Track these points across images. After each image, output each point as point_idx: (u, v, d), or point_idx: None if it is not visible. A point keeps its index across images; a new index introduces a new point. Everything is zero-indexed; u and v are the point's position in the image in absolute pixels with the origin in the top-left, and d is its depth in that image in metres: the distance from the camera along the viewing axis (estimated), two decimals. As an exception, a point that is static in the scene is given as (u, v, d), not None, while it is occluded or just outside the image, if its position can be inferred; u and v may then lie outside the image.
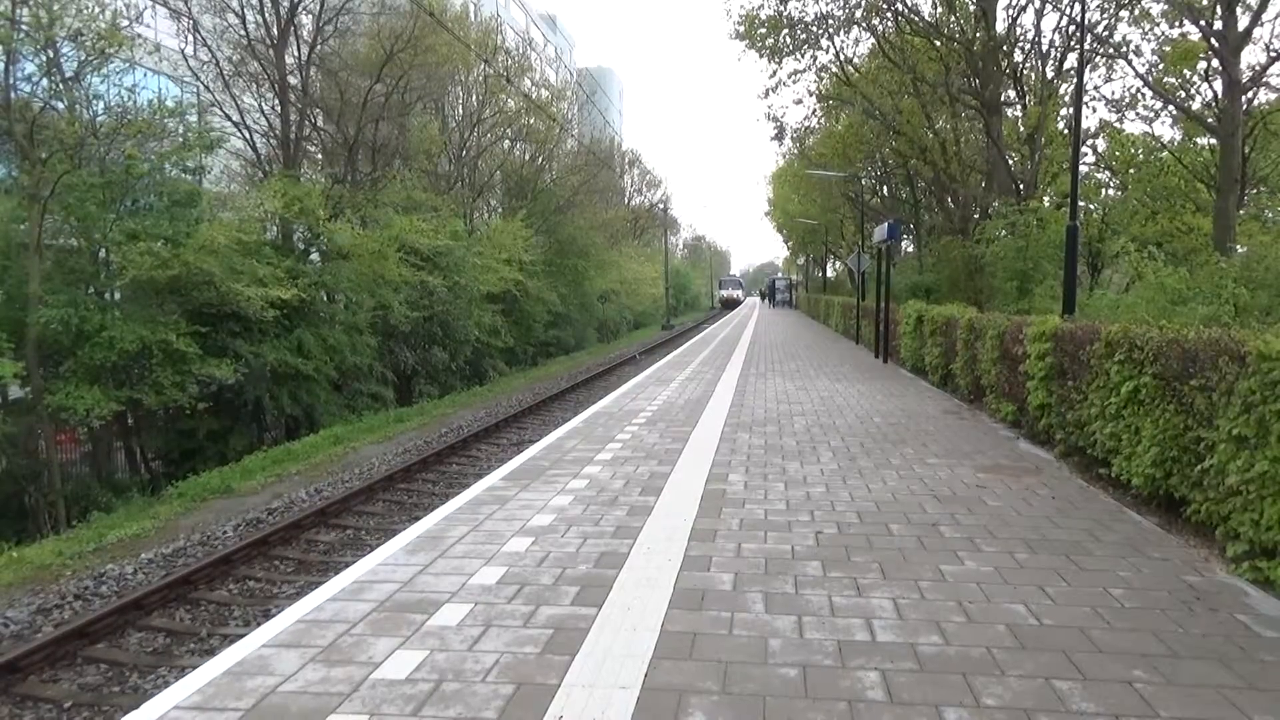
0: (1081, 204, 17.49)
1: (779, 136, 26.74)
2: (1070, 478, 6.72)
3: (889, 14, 19.25)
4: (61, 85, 14.55)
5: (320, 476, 12.44)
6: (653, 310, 62.63)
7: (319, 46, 22.45)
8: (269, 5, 20.82)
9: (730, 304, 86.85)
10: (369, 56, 24.05)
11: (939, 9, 19.36)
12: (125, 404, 14.64)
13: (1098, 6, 16.98)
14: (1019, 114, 19.73)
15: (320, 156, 25.36)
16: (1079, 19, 11.52)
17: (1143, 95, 18.76)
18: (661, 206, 69.64)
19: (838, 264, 49.80)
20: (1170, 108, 18.38)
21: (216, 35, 20.72)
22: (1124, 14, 17.16)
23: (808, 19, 20.03)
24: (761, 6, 19.88)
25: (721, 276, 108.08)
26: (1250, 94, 14.78)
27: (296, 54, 21.70)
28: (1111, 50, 17.20)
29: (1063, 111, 19.48)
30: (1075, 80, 11.48)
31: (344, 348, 19.76)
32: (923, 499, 5.99)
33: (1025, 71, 19.83)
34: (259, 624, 6.61)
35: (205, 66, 20.39)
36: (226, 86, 20.62)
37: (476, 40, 30.44)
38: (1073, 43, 17.32)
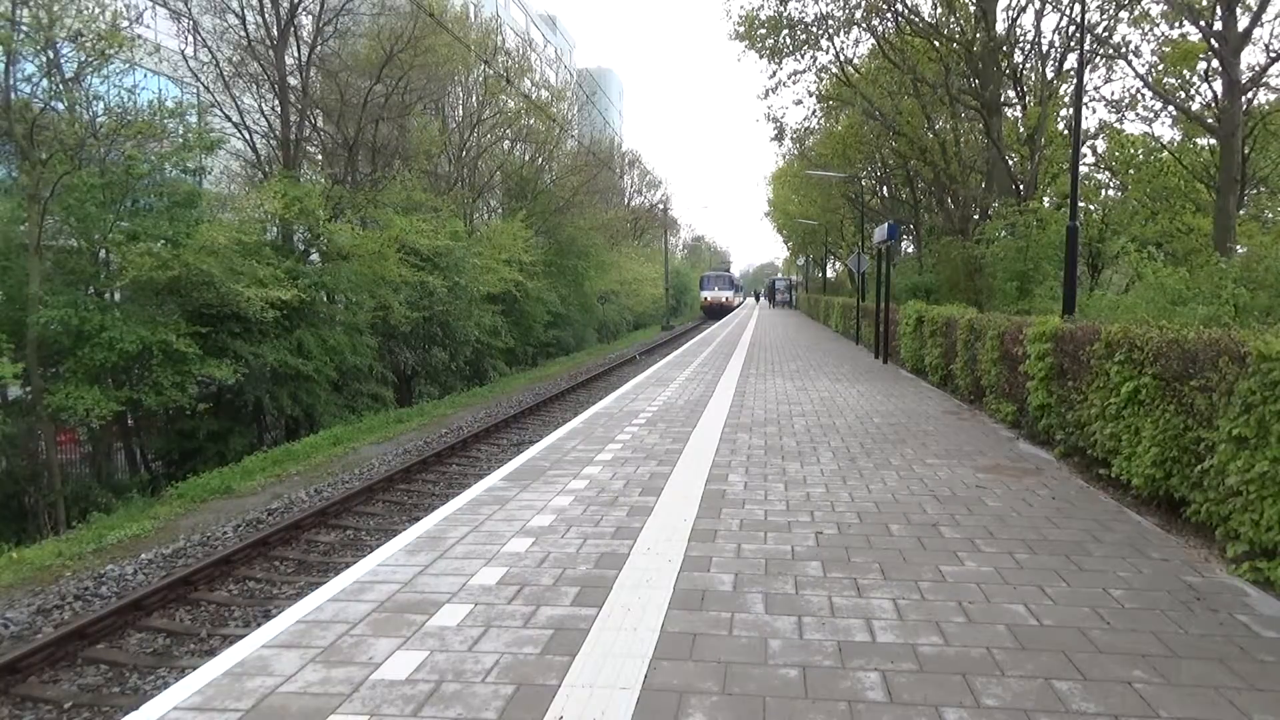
0: (1081, 204, 17.48)
1: (779, 137, 26.72)
2: (1070, 478, 6.72)
3: (889, 15, 19.25)
4: (61, 86, 14.55)
5: (320, 477, 12.44)
6: (653, 311, 62.64)
7: (319, 47, 22.46)
8: (269, 6, 20.83)
9: (717, 310, 61.59)
10: (369, 57, 24.06)
11: (939, 10, 19.37)
12: (125, 404, 14.64)
13: (1098, 7, 16.99)
14: (1019, 114, 19.73)
15: (320, 157, 25.37)
16: (1079, 20, 11.52)
17: (1143, 96, 18.76)
18: (661, 207, 69.69)
19: (838, 264, 49.81)
20: (1170, 108, 18.38)
21: (216, 36, 20.72)
22: (1124, 14, 17.18)
23: (807, 19, 20.05)
24: (761, 7, 19.90)
25: (705, 272, 75.89)
26: (1250, 94, 14.78)
27: (296, 55, 21.71)
28: (1111, 51, 17.20)
29: (1063, 112, 19.49)
30: (1075, 80, 11.48)
31: (344, 348, 19.76)
32: (923, 499, 5.99)
33: (1025, 72, 19.83)
34: (259, 624, 6.61)
35: (205, 67, 20.39)
36: (226, 87, 20.63)
37: (476, 41, 30.45)
38: (1073, 43, 17.33)
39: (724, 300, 64.34)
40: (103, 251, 15.27)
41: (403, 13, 24.09)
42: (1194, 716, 2.96)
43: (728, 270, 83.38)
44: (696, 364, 17.37)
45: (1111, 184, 24.29)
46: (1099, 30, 17.17)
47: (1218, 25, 13.13)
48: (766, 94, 24.72)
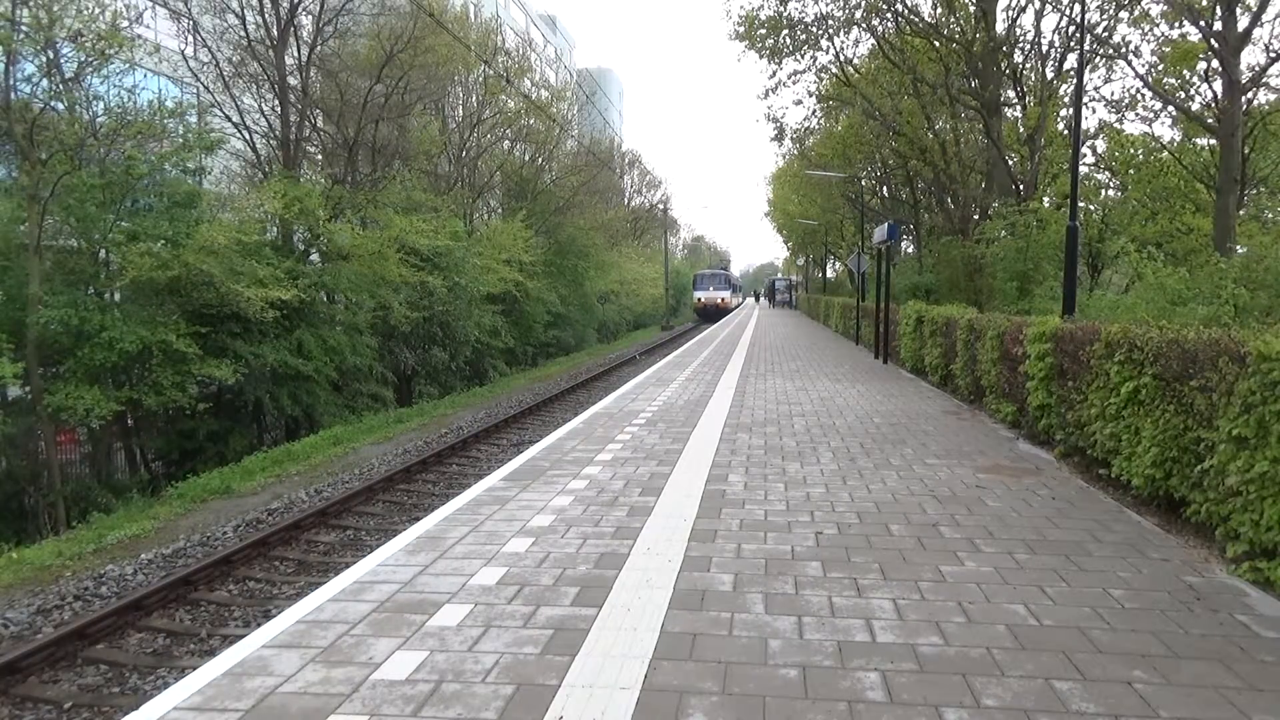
0: (1081, 204, 17.48)
1: (779, 137, 26.72)
2: (1070, 478, 6.72)
3: (889, 15, 19.25)
4: (61, 86, 14.55)
5: (320, 477, 12.44)
6: (653, 311, 62.67)
7: (319, 47, 22.47)
8: (269, 6, 20.84)
9: (712, 312, 56.78)
10: (369, 57, 24.07)
11: (939, 10, 19.37)
12: (125, 404, 14.64)
13: (1097, 7, 16.99)
14: (1019, 114, 19.73)
15: (320, 157, 25.37)
16: (1079, 20, 11.52)
17: (1142, 96, 18.76)
18: (661, 207, 69.67)
19: (838, 264, 49.80)
20: (1170, 108, 18.38)
21: (216, 36, 20.73)
22: (1124, 14, 17.17)
23: (807, 20, 20.04)
24: (761, 7, 19.90)
25: (700, 270, 69.59)
26: (1250, 94, 14.77)
27: (296, 55, 21.72)
28: (1111, 51, 17.20)
29: (1063, 112, 19.49)
30: (1075, 80, 11.48)
31: (344, 348, 19.77)
32: (923, 499, 5.98)
33: (1025, 72, 19.83)
34: (259, 624, 6.61)
35: (205, 67, 20.40)
36: (226, 87, 20.63)
37: (476, 41, 30.46)
38: (1072, 43, 17.32)
39: (719, 301, 59.06)
40: (103, 251, 15.28)
41: (403, 13, 24.10)
42: (1194, 716, 2.96)
43: (725, 268, 75.80)
44: (696, 364, 17.37)
45: (1111, 184, 24.31)
46: (1099, 30, 17.18)
47: (1218, 25, 13.13)
48: (766, 94, 24.69)
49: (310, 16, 22.13)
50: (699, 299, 60.36)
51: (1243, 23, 13.02)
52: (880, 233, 17.61)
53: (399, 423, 17.81)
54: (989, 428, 9.24)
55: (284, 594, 7.72)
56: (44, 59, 14.24)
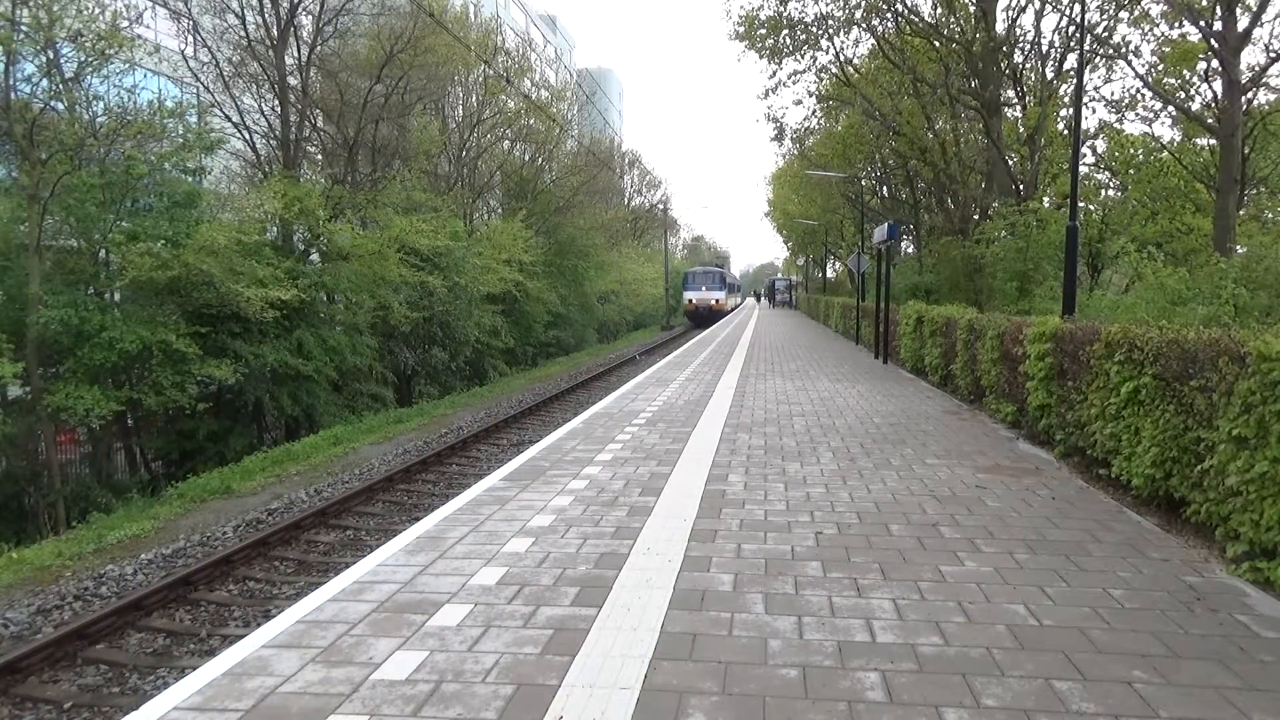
0: (1081, 204, 17.48)
1: (779, 137, 26.74)
2: (1070, 478, 6.72)
3: (889, 15, 19.27)
4: (61, 86, 14.56)
5: (320, 477, 12.44)
6: (653, 311, 62.66)
7: (319, 47, 22.49)
8: (269, 6, 20.85)
9: (705, 316, 50.27)
10: (369, 57, 24.09)
11: (939, 10, 19.38)
12: (125, 404, 14.65)
13: (1098, 7, 17.01)
14: (1019, 114, 19.74)
15: (320, 157, 25.39)
16: (1079, 20, 11.52)
17: (1142, 96, 18.78)
18: (661, 207, 69.70)
19: (838, 264, 49.79)
20: (1170, 108, 18.39)
21: (216, 36, 20.74)
22: (1124, 15, 17.19)
23: (807, 20, 20.06)
24: (761, 7, 19.92)
25: (691, 268, 61.82)
26: (1250, 94, 14.78)
27: (296, 55, 21.73)
28: (1111, 51, 17.21)
29: (1063, 112, 19.50)
30: (1075, 80, 11.49)
31: (344, 348, 19.77)
32: (922, 499, 5.98)
33: (1025, 72, 19.85)
34: (259, 624, 6.60)
35: (205, 67, 20.42)
36: (226, 87, 20.65)
37: (476, 41, 30.48)
38: (1072, 43, 17.34)
39: (713, 303, 51.34)
40: (103, 251, 15.28)
41: (403, 13, 24.11)
42: (1194, 716, 2.96)
43: (720, 266, 66.08)
44: (696, 364, 17.36)
45: (1111, 184, 24.32)
46: (1099, 30, 17.19)
47: (1218, 25, 13.13)
48: (766, 94, 24.69)
49: (310, 16, 22.14)
50: (689, 300, 53.09)
51: (1243, 23, 13.03)
52: (880, 233, 17.61)
53: (399, 423, 17.81)
54: (989, 428, 9.24)
55: (284, 594, 7.72)
56: (44, 59, 14.24)
